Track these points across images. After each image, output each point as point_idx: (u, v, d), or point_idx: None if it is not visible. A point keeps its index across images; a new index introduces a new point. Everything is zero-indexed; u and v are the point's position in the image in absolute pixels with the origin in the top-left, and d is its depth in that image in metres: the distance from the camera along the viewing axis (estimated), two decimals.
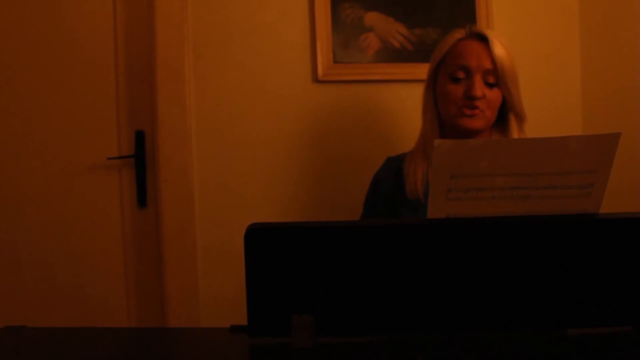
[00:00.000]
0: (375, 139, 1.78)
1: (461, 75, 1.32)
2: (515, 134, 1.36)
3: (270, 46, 1.76)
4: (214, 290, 1.72)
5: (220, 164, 1.75)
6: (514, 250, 0.73)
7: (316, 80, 1.77)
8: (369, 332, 0.77)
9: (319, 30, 1.75)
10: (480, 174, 0.73)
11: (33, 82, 1.74)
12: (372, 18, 1.78)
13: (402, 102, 1.76)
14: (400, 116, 1.76)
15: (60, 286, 1.74)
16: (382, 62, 1.78)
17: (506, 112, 1.36)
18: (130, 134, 1.77)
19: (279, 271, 0.74)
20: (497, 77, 1.31)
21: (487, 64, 1.30)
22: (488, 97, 1.31)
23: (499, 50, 1.30)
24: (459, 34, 1.36)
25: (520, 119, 1.36)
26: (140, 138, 1.77)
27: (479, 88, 1.29)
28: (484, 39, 1.32)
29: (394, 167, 1.44)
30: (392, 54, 1.78)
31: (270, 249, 0.74)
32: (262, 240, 0.74)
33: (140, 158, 1.76)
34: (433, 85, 1.39)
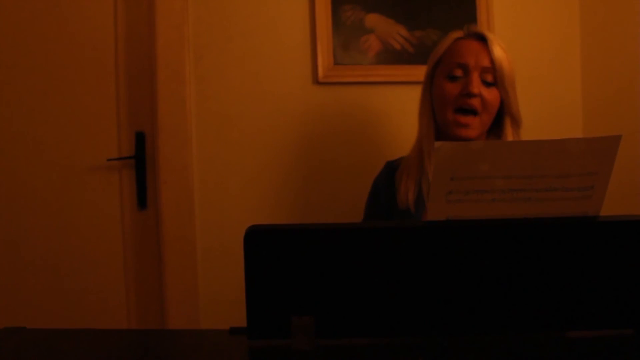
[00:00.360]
0: (376, 140, 1.78)
1: (458, 73, 1.30)
2: (510, 138, 1.34)
3: (270, 47, 1.76)
4: (214, 291, 1.72)
5: (221, 165, 1.75)
6: (514, 253, 0.73)
7: (316, 81, 1.77)
8: (369, 334, 0.77)
9: (319, 31, 1.75)
10: (481, 176, 0.73)
11: (33, 83, 1.75)
12: (373, 20, 1.78)
13: (402, 104, 1.76)
14: (400, 118, 1.76)
15: (60, 287, 1.74)
16: (382, 63, 1.78)
17: (502, 115, 1.34)
18: (130, 135, 1.77)
19: (279, 273, 0.74)
20: (495, 76, 1.29)
21: (486, 62, 1.29)
22: (485, 97, 1.29)
23: (497, 50, 1.30)
24: (457, 34, 1.35)
25: (517, 123, 1.34)
26: (140, 139, 1.77)
27: (476, 85, 1.28)
28: (482, 39, 1.31)
29: (391, 173, 1.43)
30: (392, 56, 1.78)
31: (270, 251, 0.74)
32: (261, 242, 0.74)
33: (140, 159, 1.76)
34: (430, 88, 1.37)
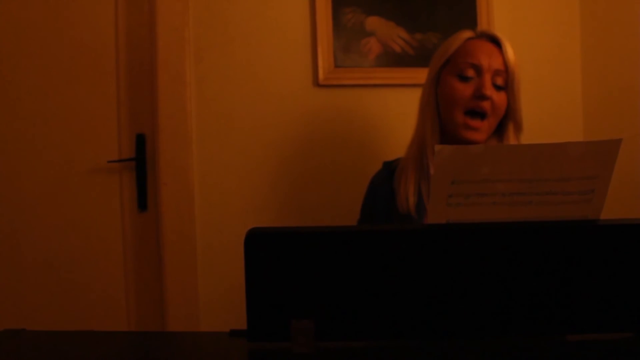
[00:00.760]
0: (376, 143, 1.78)
1: (470, 73, 1.27)
2: (512, 143, 1.32)
3: (271, 50, 1.77)
4: (214, 293, 1.72)
5: (221, 167, 1.75)
6: (514, 256, 0.73)
7: (317, 84, 1.77)
8: (368, 338, 0.76)
9: (320, 34, 1.75)
10: (481, 179, 0.73)
11: (34, 84, 1.75)
12: (373, 22, 1.78)
13: (402, 107, 1.77)
14: (401, 121, 1.76)
15: (61, 289, 1.74)
16: (383, 66, 1.78)
17: (506, 119, 1.32)
18: (131, 137, 1.78)
19: (279, 275, 0.74)
20: (506, 79, 1.27)
21: (498, 65, 1.27)
22: (495, 100, 1.26)
23: (511, 53, 1.28)
24: (467, 33, 1.32)
25: (519, 128, 1.32)
26: (140, 141, 1.77)
27: (489, 87, 1.25)
28: (494, 41, 1.29)
29: (389, 174, 1.40)
30: (393, 59, 1.79)
31: (270, 254, 0.74)
32: (262, 245, 0.74)
33: (140, 161, 1.77)
34: (435, 86, 1.34)
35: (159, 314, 1.74)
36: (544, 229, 0.73)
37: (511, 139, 1.32)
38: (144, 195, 1.77)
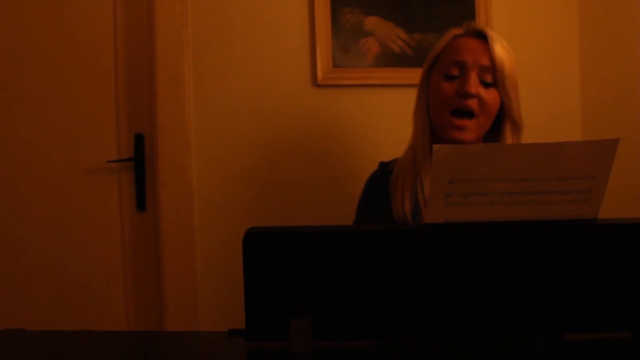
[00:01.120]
0: (375, 143, 1.78)
1: (455, 72, 1.23)
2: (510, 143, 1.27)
3: (270, 50, 1.77)
4: (213, 293, 1.72)
5: (220, 167, 1.75)
6: (512, 256, 0.73)
7: (316, 84, 1.77)
8: (367, 337, 0.77)
9: (318, 34, 1.75)
10: (480, 179, 0.73)
11: (33, 84, 1.75)
12: (372, 22, 1.78)
13: (401, 107, 1.77)
14: (399, 121, 1.76)
15: (59, 289, 1.74)
16: (381, 66, 1.78)
17: (502, 119, 1.26)
18: (129, 137, 1.78)
19: (278, 275, 0.74)
20: (494, 76, 1.21)
21: (485, 61, 1.21)
22: (483, 97, 1.21)
23: (498, 48, 1.21)
24: (456, 31, 1.28)
25: (518, 128, 1.27)
26: (139, 141, 1.77)
27: (473, 84, 1.20)
28: (483, 37, 1.24)
29: (384, 176, 1.36)
30: (391, 59, 1.79)
31: (269, 253, 0.74)
32: (260, 245, 0.74)
33: (139, 161, 1.77)
34: (426, 88, 1.30)
35: (158, 314, 1.74)
36: (542, 229, 0.74)
37: (509, 139, 1.27)
38: (142, 195, 1.77)
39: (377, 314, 0.74)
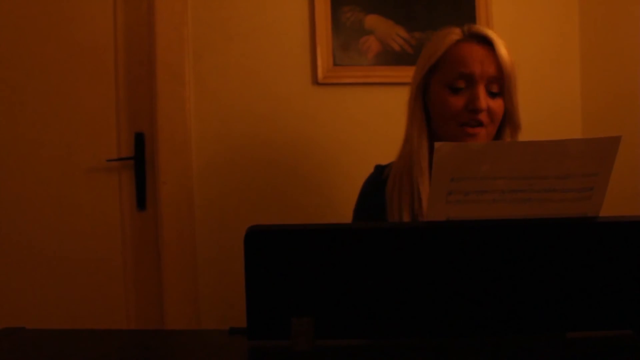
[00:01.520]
0: (375, 141, 1.78)
1: (461, 84, 1.16)
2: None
3: (270, 48, 1.77)
4: (213, 292, 1.72)
5: (220, 166, 1.75)
6: (513, 254, 0.73)
7: (316, 82, 1.77)
8: (368, 335, 0.77)
9: (319, 32, 1.75)
10: (481, 177, 0.73)
11: (33, 83, 1.75)
12: (372, 21, 1.78)
13: (402, 105, 1.75)
14: (399, 119, 1.75)
15: (60, 288, 1.74)
16: (382, 65, 1.78)
17: (503, 122, 1.21)
18: (129, 136, 1.78)
19: (279, 273, 0.74)
20: (501, 85, 1.16)
21: (492, 71, 1.14)
22: (492, 109, 1.16)
23: (505, 55, 1.15)
24: (454, 34, 1.19)
25: (516, 129, 1.23)
26: (139, 140, 1.77)
27: (484, 100, 1.14)
28: (485, 41, 1.16)
29: (381, 182, 1.29)
30: (392, 57, 1.79)
31: (270, 251, 0.74)
32: (261, 243, 0.74)
33: (139, 160, 1.76)
34: (422, 94, 1.23)
35: (159, 312, 1.74)
36: (544, 227, 0.74)
37: (507, 138, 1.24)
38: (143, 194, 1.77)
39: (378, 312, 0.74)
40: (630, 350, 0.75)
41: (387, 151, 1.67)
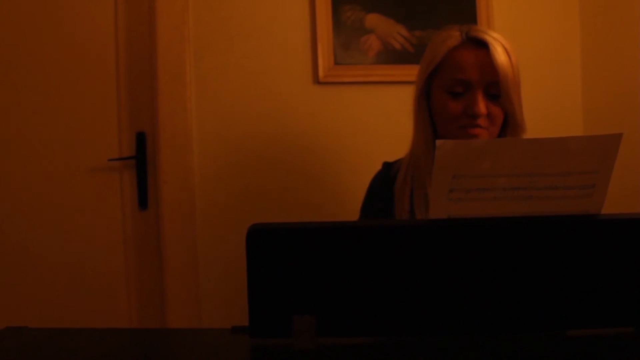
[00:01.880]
0: (376, 140, 1.78)
1: (460, 89, 1.17)
2: None
3: (271, 48, 1.77)
4: (215, 290, 1.72)
5: (221, 165, 1.75)
6: (515, 251, 0.73)
7: (317, 81, 1.77)
8: (370, 333, 0.77)
9: (319, 31, 1.75)
10: (482, 174, 0.73)
11: (34, 83, 1.75)
12: (373, 20, 1.78)
13: (403, 104, 1.75)
14: (401, 118, 1.75)
15: (62, 287, 1.74)
16: (383, 63, 1.78)
17: (504, 124, 1.22)
18: (131, 135, 1.78)
19: (281, 272, 0.74)
20: (499, 89, 1.16)
21: (489, 76, 1.15)
22: (491, 113, 1.17)
23: (501, 58, 1.14)
24: (452, 39, 1.19)
25: (518, 130, 1.23)
26: (141, 139, 1.77)
27: (482, 105, 1.15)
28: (482, 45, 1.16)
29: (389, 179, 1.31)
30: (393, 56, 1.79)
31: (272, 250, 0.74)
32: (263, 241, 0.74)
33: (141, 160, 1.77)
34: (426, 98, 1.25)
35: (160, 311, 1.74)
36: (545, 224, 0.74)
37: None
38: (144, 193, 1.77)
39: (380, 310, 0.74)
40: (632, 348, 0.75)
41: (389, 150, 1.67)
